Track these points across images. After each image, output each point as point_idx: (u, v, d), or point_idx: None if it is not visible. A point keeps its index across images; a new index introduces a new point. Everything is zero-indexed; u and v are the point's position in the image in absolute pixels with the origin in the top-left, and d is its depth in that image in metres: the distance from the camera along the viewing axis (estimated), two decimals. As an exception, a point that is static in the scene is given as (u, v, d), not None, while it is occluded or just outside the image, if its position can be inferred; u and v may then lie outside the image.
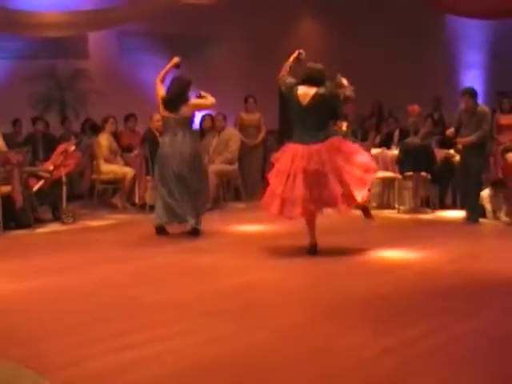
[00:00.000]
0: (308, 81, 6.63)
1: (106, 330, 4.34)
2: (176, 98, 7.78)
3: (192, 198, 7.70)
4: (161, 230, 7.85)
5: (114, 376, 3.55)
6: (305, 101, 6.54)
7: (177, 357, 3.86)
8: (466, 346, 4.06)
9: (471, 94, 8.52)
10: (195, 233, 7.73)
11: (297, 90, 6.61)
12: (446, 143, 9.36)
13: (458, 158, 9.56)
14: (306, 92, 6.56)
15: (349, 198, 6.41)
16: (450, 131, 8.87)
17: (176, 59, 8.13)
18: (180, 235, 7.75)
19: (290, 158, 6.49)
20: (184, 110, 7.79)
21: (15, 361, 3.75)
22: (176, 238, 7.65)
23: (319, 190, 6.38)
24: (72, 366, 3.68)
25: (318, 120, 6.54)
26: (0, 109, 10.04)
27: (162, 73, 8.04)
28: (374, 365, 3.71)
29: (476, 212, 8.58)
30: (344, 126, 11.01)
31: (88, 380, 3.51)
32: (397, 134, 11.06)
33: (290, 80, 6.76)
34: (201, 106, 8.22)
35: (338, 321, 4.60)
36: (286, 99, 6.81)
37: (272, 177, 6.68)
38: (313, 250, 6.62)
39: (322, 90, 6.53)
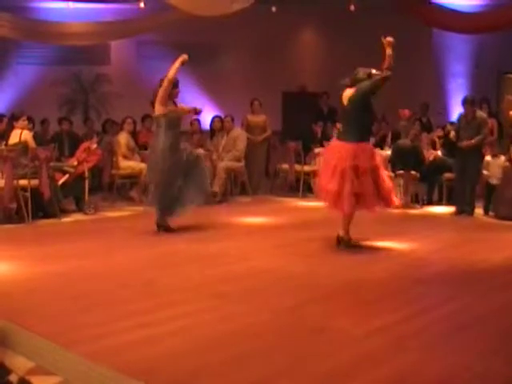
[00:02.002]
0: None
1: (124, 309, 4.38)
2: (153, 98, 7.32)
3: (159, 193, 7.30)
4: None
5: (133, 350, 3.58)
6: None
7: (188, 333, 3.89)
8: (447, 326, 4.11)
9: (471, 102, 8.84)
10: (159, 228, 7.38)
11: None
12: (450, 147, 9.35)
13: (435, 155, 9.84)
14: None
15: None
16: (452, 134, 9.00)
17: (185, 56, 7.10)
18: (190, 226, 7.77)
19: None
20: (157, 109, 7.26)
21: (43, 335, 3.79)
22: (186, 229, 7.67)
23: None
24: (95, 341, 3.71)
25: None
26: (30, 110, 10.07)
27: (173, 71, 7.09)
28: (363, 343, 3.73)
29: (471, 207, 8.84)
30: (340, 127, 11.03)
31: (109, 353, 3.53)
32: (389, 135, 11.13)
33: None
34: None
35: (332, 303, 4.63)
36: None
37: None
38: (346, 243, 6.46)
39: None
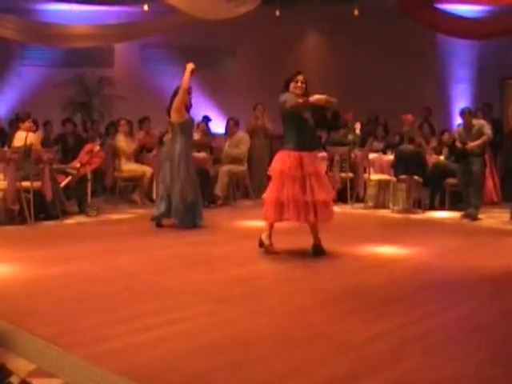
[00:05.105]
0: None
1: (125, 313, 4.38)
2: (169, 106, 7.83)
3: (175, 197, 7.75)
4: (156, 222, 8.00)
5: (134, 353, 3.59)
6: None
7: (189, 337, 3.89)
8: (449, 333, 4.10)
9: (468, 112, 9.21)
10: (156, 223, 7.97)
11: None
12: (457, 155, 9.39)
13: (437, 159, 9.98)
14: None
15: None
16: (459, 144, 9.14)
17: (192, 65, 7.63)
18: (192, 229, 7.78)
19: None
20: (173, 116, 7.79)
21: (45, 338, 3.80)
22: (189, 232, 7.68)
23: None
24: (95, 344, 3.71)
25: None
26: (34, 111, 10.07)
27: (186, 81, 7.63)
28: (363, 349, 3.72)
29: (477, 210, 8.92)
30: (358, 128, 10.99)
31: (111, 356, 3.54)
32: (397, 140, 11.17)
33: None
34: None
35: (332, 308, 4.62)
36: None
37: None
38: (318, 251, 6.36)
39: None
